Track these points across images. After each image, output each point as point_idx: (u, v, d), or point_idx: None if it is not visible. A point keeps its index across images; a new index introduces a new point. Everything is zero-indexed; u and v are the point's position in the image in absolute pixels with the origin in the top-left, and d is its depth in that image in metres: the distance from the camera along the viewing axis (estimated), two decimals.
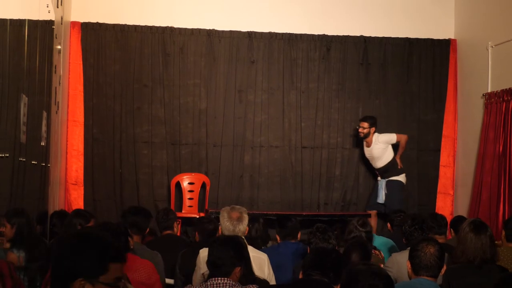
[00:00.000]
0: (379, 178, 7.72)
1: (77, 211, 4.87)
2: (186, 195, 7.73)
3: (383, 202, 7.52)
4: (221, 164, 7.93)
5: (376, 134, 7.59)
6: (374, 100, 8.18)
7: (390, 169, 7.56)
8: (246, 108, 8.01)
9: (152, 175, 7.82)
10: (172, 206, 7.41)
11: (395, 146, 7.67)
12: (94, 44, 7.75)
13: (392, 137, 7.59)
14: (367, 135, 7.57)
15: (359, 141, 8.04)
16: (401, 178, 7.58)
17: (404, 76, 8.23)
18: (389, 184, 7.51)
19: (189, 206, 7.72)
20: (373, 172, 8.04)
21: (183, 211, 7.59)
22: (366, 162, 7.96)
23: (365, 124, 7.56)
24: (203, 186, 7.78)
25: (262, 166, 7.99)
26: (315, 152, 8.09)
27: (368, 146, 7.65)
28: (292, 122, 8.06)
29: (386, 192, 7.50)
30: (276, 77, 8.05)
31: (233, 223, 4.19)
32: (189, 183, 7.76)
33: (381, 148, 7.54)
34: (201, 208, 7.73)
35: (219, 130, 7.95)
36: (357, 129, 7.68)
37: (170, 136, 7.87)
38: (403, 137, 7.65)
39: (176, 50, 7.87)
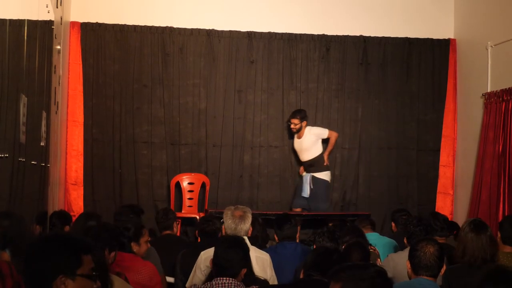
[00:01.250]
0: (304, 173, 7.71)
1: (88, 213, 4.87)
2: (186, 195, 7.72)
3: (307, 196, 7.52)
4: (221, 164, 7.93)
5: (308, 126, 7.62)
6: (374, 100, 8.18)
7: (316, 163, 7.58)
8: (246, 108, 8.01)
9: (151, 175, 7.81)
10: (172, 206, 7.40)
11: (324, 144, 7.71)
12: (94, 44, 7.74)
13: (324, 132, 7.66)
14: (299, 129, 7.59)
15: (362, 142, 8.10)
16: (326, 175, 7.60)
17: (404, 76, 8.23)
18: (315, 181, 7.52)
19: (189, 206, 7.72)
20: (366, 172, 8.10)
21: (183, 211, 7.58)
22: (296, 156, 7.91)
23: (296, 121, 7.57)
24: (203, 186, 7.77)
25: (261, 166, 7.99)
26: None
27: (299, 138, 7.66)
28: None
29: (311, 187, 7.50)
30: (276, 77, 8.04)
31: (235, 221, 4.20)
32: (188, 183, 7.75)
33: (311, 140, 7.58)
34: (201, 208, 7.72)
35: (219, 130, 7.94)
36: (289, 125, 7.67)
37: (170, 136, 7.87)
38: (334, 135, 7.71)
39: (176, 50, 7.87)
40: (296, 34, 8.02)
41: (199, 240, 5.09)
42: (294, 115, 7.64)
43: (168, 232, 5.37)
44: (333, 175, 8.07)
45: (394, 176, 8.17)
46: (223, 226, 4.34)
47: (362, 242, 4.27)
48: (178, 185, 7.71)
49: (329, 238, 4.30)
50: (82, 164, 7.62)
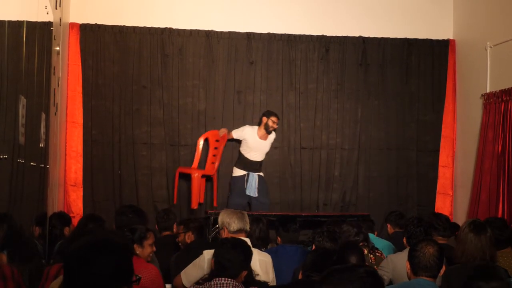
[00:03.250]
0: (236, 173, 7.61)
1: (91, 215, 4.87)
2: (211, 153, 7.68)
3: (256, 195, 7.52)
4: (220, 165, 7.92)
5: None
6: (373, 100, 8.19)
7: (262, 164, 7.74)
8: (245, 109, 8.00)
9: (151, 176, 7.81)
10: (175, 197, 7.51)
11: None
12: (93, 46, 7.74)
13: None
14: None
15: (362, 143, 8.10)
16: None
17: (403, 76, 8.23)
18: (261, 179, 7.61)
19: (212, 163, 7.69)
20: (366, 173, 8.09)
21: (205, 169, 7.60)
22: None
23: (278, 121, 7.57)
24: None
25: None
26: (314, 153, 8.08)
27: (266, 139, 7.61)
28: (291, 123, 8.05)
29: (258, 186, 7.53)
30: (275, 78, 8.04)
31: (243, 219, 4.25)
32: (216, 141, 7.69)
33: (272, 143, 7.70)
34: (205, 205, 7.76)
35: None
36: (267, 124, 7.49)
37: (169, 137, 7.86)
38: None
39: (175, 51, 7.86)
40: (295, 35, 8.02)
41: (187, 241, 5.01)
42: (276, 115, 7.58)
43: (168, 233, 5.35)
44: (332, 176, 8.10)
45: (393, 177, 8.17)
46: (225, 229, 4.32)
47: (357, 244, 4.26)
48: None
49: (329, 238, 4.29)
50: (82, 165, 7.62)
